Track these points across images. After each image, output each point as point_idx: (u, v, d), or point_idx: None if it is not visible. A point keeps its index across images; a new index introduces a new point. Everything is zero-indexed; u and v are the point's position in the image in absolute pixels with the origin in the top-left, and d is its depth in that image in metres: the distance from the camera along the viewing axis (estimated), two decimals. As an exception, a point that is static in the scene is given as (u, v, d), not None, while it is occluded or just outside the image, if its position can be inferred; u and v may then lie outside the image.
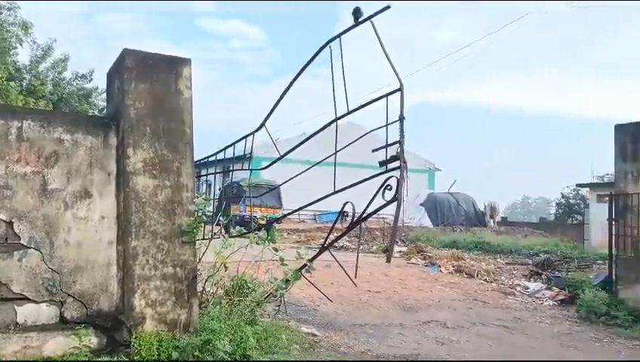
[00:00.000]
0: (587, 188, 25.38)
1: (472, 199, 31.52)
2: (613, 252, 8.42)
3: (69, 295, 4.70)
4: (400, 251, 14.93)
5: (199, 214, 4.96)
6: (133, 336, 4.48)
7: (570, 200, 37.47)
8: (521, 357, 5.99)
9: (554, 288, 10.13)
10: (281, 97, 5.48)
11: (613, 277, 8.43)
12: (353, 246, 16.63)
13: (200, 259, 5.30)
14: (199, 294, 5.21)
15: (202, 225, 5.14)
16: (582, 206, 30.64)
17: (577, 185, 30.24)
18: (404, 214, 30.70)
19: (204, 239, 5.51)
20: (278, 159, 5.98)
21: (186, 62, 5.14)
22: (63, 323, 4.68)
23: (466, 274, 11.55)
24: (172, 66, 5.07)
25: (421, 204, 30.64)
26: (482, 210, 31.46)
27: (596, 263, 12.50)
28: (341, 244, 15.89)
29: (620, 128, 8.51)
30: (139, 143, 4.84)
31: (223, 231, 5.86)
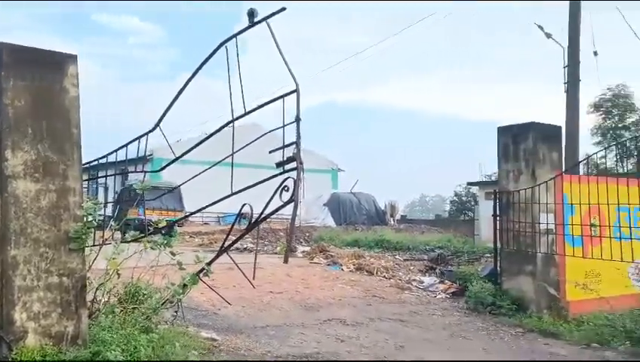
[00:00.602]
0: (477, 187, 27.06)
1: (374, 198, 32.51)
2: (498, 245, 9.03)
3: (-63, 311, 4.28)
4: (303, 251, 15.07)
5: (89, 219, 4.72)
6: (14, 353, 4.18)
7: (463, 198, 39.81)
8: (415, 348, 6.27)
9: (446, 281, 10.71)
10: (176, 98, 5.35)
11: (498, 269, 9.04)
12: (257, 249, 16.56)
13: (90, 267, 5.03)
14: (89, 304, 4.95)
15: (92, 230, 4.89)
16: (473, 203, 32.61)
17: (468, 184, 32.18)
18: (308, 214, 31.12)
19: (94, 245, 5.23)
20: (174, 160, 5.83)
21: (72, 58, 4.85)
22: None
23: (366, 271, 11.90)
24: (56, 63, 4.77)
25: (324, 204, 31.13)
26: (383, 208, 32.55)
27: (484, 256, 13.33)
28: (244, 246, 15.76)
29: (502, 130, 9.15)
30: (19, 145, 4.51)
31: (120, 235, 5.61)
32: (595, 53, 16.16)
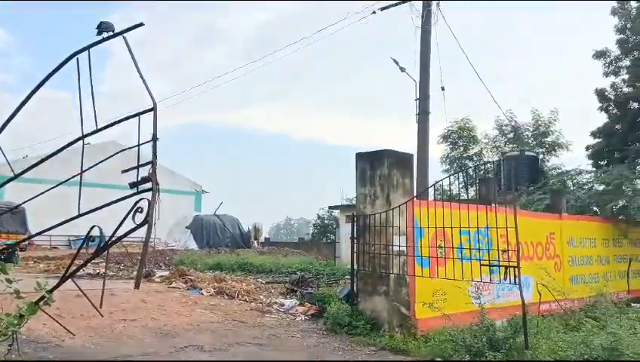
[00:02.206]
0: (338, 210, 28.01)
1: (238, 221, 32.26)
2: (355, 267, 9.39)
3: None
4: (161, 276, 14.42)
5: None
6: None
7: (325, 221, 40.93)
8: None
9: (306, 303, 10.87)
10: (17, 110, 4.88)
11: (355, 290, 9.39)
12: (111, 273, 15.55)
13: None
14: None
15: None
16: (334, 226, 33.67)
17: (330, 207, 33.20)
18: (169, 237, 30.01)
19: None
20: (13, 178, 5.29)
21: None
22: None
23: (227, 295, 11.69)
24: None
25: (187, 227, 30.27)
26: (247, 231, 32.40)
27: (344, 278, 13.74)
28: (97, 271, 14.73)
29: (360, 156, 9.60)
30: None
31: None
32: (443, 89, 17.67)
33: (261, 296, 11.92)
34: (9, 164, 5.43)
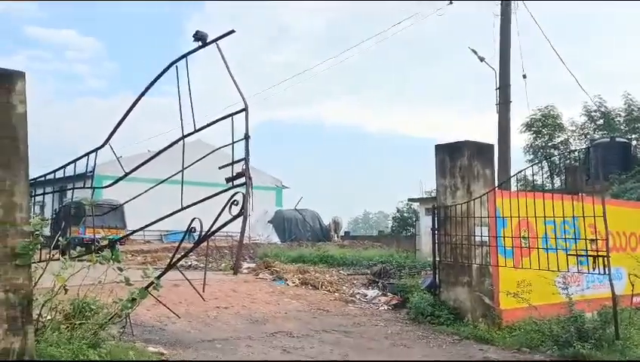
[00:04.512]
0: (418, 203, 27.87)
1: (318, 215, 32.87)
2: (436, 258, 9.47)
3: None
4: (249, 267, 15.11)
5: (36, 235, 4.73)
6: (-42, 370, 4.13)
7: (404, 214, 40.71)
8: (359, 356, 6.53)
9: (388, 294, 11.08)
10: (125, 116, 5.44)
11: (437, 280, 9.47)
12: (202, 266, 16.46)
13: (36, 284, 5.02)
14: (35, 320, 4.93)
15: (39, 247, 4.89)
16: (414, 219, 33.49)
17: (409, 200, 33.05)
18: (253, 231, 31.05)
19: (40, 261, 5.21)
20: (123, 177, 5.88)
21: (20, 75, 4.89)
22: None
23: (311, 285, 12.11)
24: (3, 80, 4.79)
25: (269, 221, 31.20)
26: (327, 225, 32.94)
27: (425, 270, 13.79)
28: (189, 264, 15.65)
29: (439, 148, 9.65)
30: (-35, 161, 4.50)
31: (59, 254, 5.58)
32: (524, 77, 17.20)
33: (344, 287, 12.24)
34: (121, 165, 6.03)
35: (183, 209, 5.51)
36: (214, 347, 6.66)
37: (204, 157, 5.82)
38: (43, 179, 6.69)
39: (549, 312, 7.91)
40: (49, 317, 5.26)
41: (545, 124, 27.66)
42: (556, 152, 26.73)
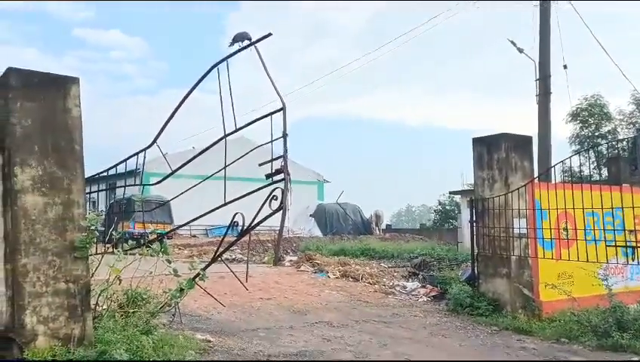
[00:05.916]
0: (459, 195, 27.66)
1: (359, 208, 32.99)
2: (475, 250, 9.52)
3: (-46, 316, 4.63)
4: (291, 260, 15.46)
5: (92, 229, 5.11)
6: (25, 354, 4.54)
7: (446, 207, 40.42)
8: (397, 345, 6.71)
9: (428, 286, 11.18)
10: (171, 117, 5.78)
11: (476, 273, 9.52)
12: (245, 258, 16.93)
13: (92, 274, 5.41)
14: (93, 309, 5.32)
15: (95, 240, 5.28)
16: (456, 211, 33.21)
17: (450, 193, 32.81)
18: (295, 225, 31.49)
19: (96, 254, 5.62)
20: (170, 174, 6.23)
21: (74, 80, 5.27)
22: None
23: (352, 278, 12.33)
24: (60, 85, 5.18)
25: (311, 215, 31.54)
26: (368, 218, 33.02)
27: (465, 262, 13.78)
28: (233, 257, 16.13)
29: (476, 141, 9.67)
30: (26, 161, 4.91)
31: (112, 248, 5.98)
32: (565, 67, 16.86)
33: (384, 279, 12.41)
34: (168, 163, 6.38)
35: (225, 204, 5.80)
36: (257, 335, 6.97)
37: (245, 155, 6.11)
38: (96, 176, 7.13)
39: (592, 304, 7.87)
40: (105, 306, 5.66)
41: (591, 114, 26.95)
42: (604, 142, 26.01)
